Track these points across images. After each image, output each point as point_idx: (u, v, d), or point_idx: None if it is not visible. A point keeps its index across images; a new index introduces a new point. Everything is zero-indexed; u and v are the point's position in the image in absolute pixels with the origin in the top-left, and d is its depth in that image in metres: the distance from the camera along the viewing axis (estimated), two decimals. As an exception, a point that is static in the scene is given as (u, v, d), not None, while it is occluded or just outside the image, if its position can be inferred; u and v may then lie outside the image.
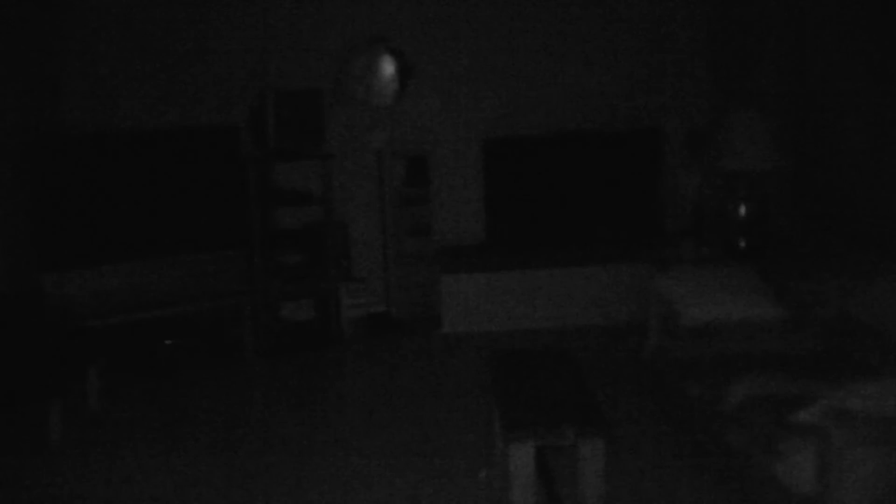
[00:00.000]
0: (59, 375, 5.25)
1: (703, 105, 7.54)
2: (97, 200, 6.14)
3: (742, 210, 6.04)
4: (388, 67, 7.05)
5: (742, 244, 6.01)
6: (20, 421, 5.39)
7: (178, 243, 6.38)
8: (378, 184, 7.48)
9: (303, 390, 6.08)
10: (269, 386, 6.25)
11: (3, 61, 5.94)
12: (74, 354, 5.47)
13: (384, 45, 7.07)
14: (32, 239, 6.03)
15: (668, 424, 4.92)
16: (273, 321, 6.87)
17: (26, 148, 5.97)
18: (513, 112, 7.57)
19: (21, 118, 6.16)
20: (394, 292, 7.51)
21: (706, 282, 5.19)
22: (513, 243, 7.53)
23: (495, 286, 7.19)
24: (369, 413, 5.62)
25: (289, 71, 7.25)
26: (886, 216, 5.03)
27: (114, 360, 6.11)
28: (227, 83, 7.13)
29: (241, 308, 6.57)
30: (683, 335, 4.93)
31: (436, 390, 5.94)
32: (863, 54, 5.27)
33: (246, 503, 4.47)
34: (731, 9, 7.10)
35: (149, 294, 6.23)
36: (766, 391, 3.91)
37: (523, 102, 7.56)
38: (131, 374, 6.28)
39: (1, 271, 5.79)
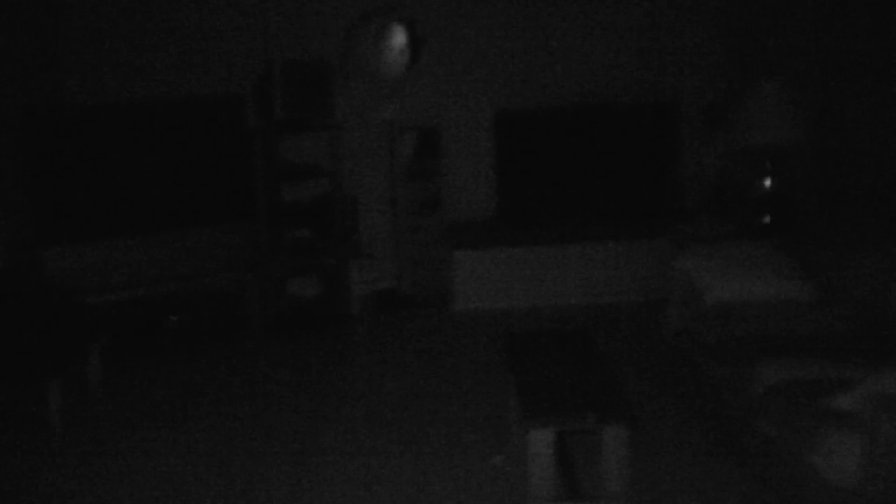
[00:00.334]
0: (59, 354, 5.07)
1: (721, 77, 7.33)
2: (98, 173, 5.96)
3: (765, 185, 5.83)
4: (398, 37, 6.82)
5: (765, 220, 5.81)
6: (19, 401, 5.21)
7: (181, 217, 6.20)
8: (388, 157, 7.28)
9: (310, 370, 5.89)
10: (274, 365, 6.06)
11: (1, 32, 5.74)
12: (75, 332, 5.29)
13: (395, 14, 6.83)
14: (32, 213, 5.83)
15: (693, 409, 4.72)
16: (280, 298, 6.69)
17: (25, 120, 5.77)
18: (526, 84, 7.35)
19: (20, 90, 5.96)
20: (403, 268, 7.32)
21: (729, 260, 4.99)
22: (525, 219, 7.33)
23: (508, 262, 7.01)
24: (378, 395, 5.43)
25: (296, 40, 7.03)
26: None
27: (116, 337, 5.93)
28: (232, 52, 6.91)
29: (246, 284, 6.39)
30: (706, 315, 4.73)
31: (447, 370, 5.76)
32: (894, 17, 5.05)
33: (249, 486, 4.29)
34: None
35: (151, 270, 6.05)
36: (799, 375, 3.71)
37: (537, 74, 7.34)
38: (134, 352, 6.11)
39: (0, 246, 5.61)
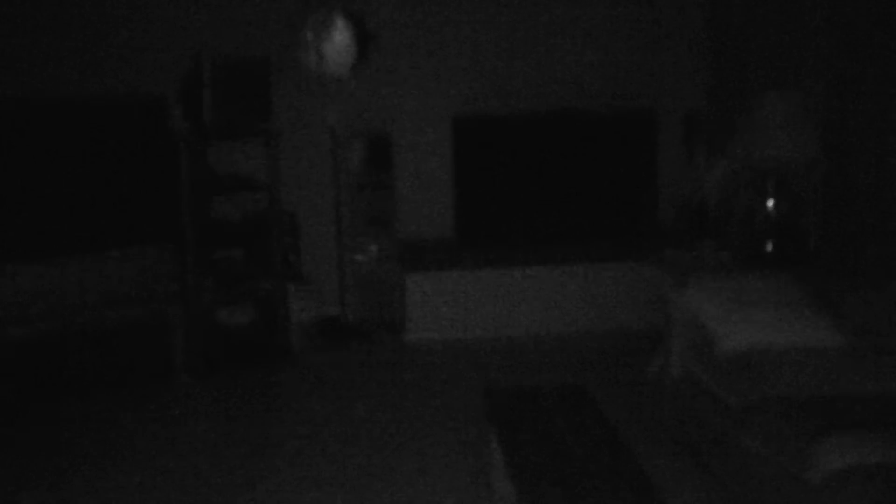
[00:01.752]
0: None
1: (701, 85, 6.65)
2: None
3: (770, 208, 5.13)
4: (344, 33, 6.05)
5: (768, 248, 5.11)
6: None
7: (92, 238, 5.25)
8: (332, 168, 6.44)
9: (242, 417, 5.03)
10: (200, 412, 5.17)
11: None
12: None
13: (340, 6, 6.03)
14: None
15: (720, 487, 3.93)
16: (208, 330, 5.81)
17: None
18: (488, 87, 6.60)
19: None
20: (349, 294, 6.49)
21: (743, 298, 4.25)
22: (486, 238, 6.57)
23: (466, 287, 6.26)
24: (319, 442, 4.57)
25: (229, 34, 6.15)
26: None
27: (6, 384, 4.95)
28: (153, 46, 6.01)
29: (169, 314, 5.49)
30: (721, 366, 3.98)
31: (400, 412, 4.94)
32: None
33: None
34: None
35: (54, 301, 5.09)
36: (869, 459, 2.97)
37: (500, 77, 6.59)
38: (30, 399, 5.13)
39: None
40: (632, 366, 5.44)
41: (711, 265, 5.04)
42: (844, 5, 5.06)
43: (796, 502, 3.16)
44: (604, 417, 3.44)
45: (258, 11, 6.25)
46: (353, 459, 4.39)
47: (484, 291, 6.26)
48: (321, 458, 4.43)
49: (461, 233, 6.58)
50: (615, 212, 6.69)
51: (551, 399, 3.66)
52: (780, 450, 3.29)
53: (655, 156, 6.67)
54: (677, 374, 4.42)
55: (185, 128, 5.76)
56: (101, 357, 5.44)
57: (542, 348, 5.97)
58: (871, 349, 3.91)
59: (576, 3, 6.59)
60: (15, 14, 5.77)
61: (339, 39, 6.12)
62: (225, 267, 5.88)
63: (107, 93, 5.69)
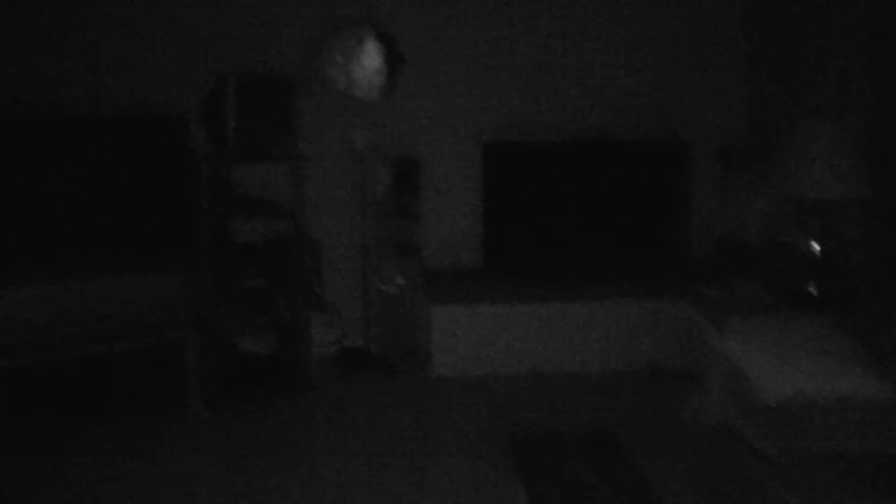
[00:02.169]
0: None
1: (738, 114, 6.42)
2: None
3: (814, 246, 4.88)
4: (374, 54, 5.88)
5: (810, 289, 4.85)
6: None
7: (106, 261, 5.08)
8: (358, 193, 6.25)
9: (259, 454, 4.82)
10: (216, 450, 4.95)
11: None
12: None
13: (371, 27, 5.86)
14: None
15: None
16: (225, 358, 5.62)
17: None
18: (519, 114, 6.39)
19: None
20: (374, 324, 6.28)
21: (786, 344, 4.02)
22: (516, 269, 6.35)
23: (494, 321, 6.03)
24: (339, 482, 4.36)
25: (254, 52, 5.99)
26: None
27: (11, 415, 4.76)
28: (174, 63, 5.84)
29: (185, 344, 5.30)
30: (764, 419, 3.74)
31: (426, 457, 4.71)
32: None
33: None
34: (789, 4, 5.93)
35: (64, 327, 4.91)
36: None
37: (532, 103, 6.38)
38: (37, 433, 4.94)
39: None
40: (665, 409, 5.19)
41: (750, 305, 4.79)
42: (888, 32, 4.83)
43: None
44: (636, 468, 3.21)
45: (285, 28, 6.09)
46: (371, 501, 4.17)
47: (512, 326, 6.04)
48: (336, 498, 4.21)
49: (489, 263, 6.37)
50: (646, 245, 6.47)
51: (581, 445, 3.43)
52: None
53: (689, 188, 6.45)
54: (714, 421, 4.19)
55: (207, 148, 5.60)
56: (114, 384, 5.26)
57: (570, 386, 5.73)
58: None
59: (611, 31, 6.38)
60: (36, 30, 5.62)
61: (369, 62, 5.96)
62: (245, 294, 5.69)
63: (126, 111, 5.53)
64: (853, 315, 4.40)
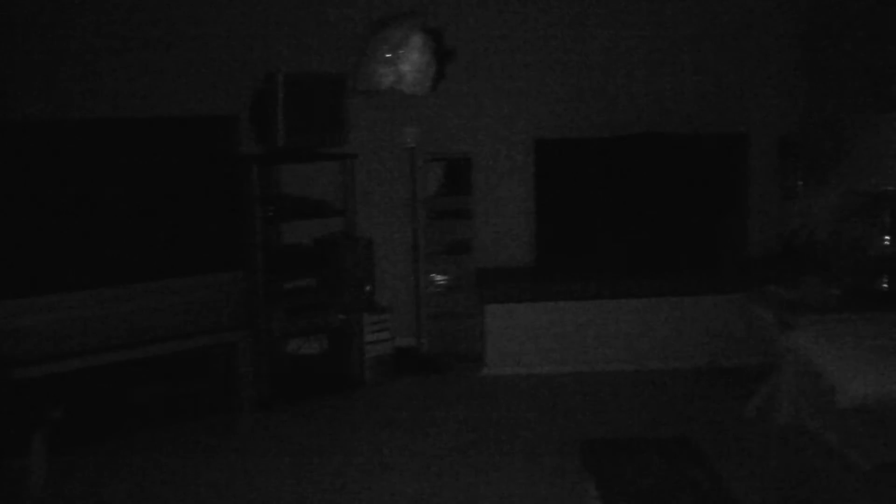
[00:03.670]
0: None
1: (797, 107, 6.24)
2: (46, 207, 4.69)
3: (884, 240, 4.72)
4: (422, 50, 5.76)
5: (883, 285, 4.70)
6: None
7: (155, 265, 4.99)
8: (409, 192, 6.15)
9: (313, 455, 4.73)
10: (269, 450, 4.87)
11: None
12: (12, 416, 4.12)
13: (418, 21, 5.74)
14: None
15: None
16: (278, 360, 5.54)
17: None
18: (572, 109, 6.26)
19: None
20: (425, 324, 6.19)
21: (860, 342, 3.87)
22: (569, 266, 6.22)
23: (548, 319, 5.93)
24: (394, 487, 4.26)
25: (302, 51, 5.90)
26: None
27: (66, 420, 4.69)
28: (223, 63, 5.74)
29: (236, 346, 5.23)
30: (840, 420, 3.59)
31: (485, 455, 4.60)
32: None
33: None
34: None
35: (115, 331, 4.83)
36: None
37: (584, 98, 6.26)
38: (90, 437, 4.87)
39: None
40: (730, 409, 5.03)
41: (818, 303, 4.63)
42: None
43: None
44: (714, 473, 3.08)
45: (332, 27, 5.99)
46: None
47: (567, 324, 5.92)
48: (392, 498, 4.13)
49: (542, 260, 6.25)
50: (702, 241, 6.35)
51: (656, 453, 3.31)
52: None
53: (747, 182, 6.30)
54: (784, 422, 4.05)
55: (256, 150, 5.53)
56: (166, 387, 5.21)
57: (628, 385, 5.61)
58: None
59: (664, 27, 6.23)
60: (92, 35, 5.55)
61: (418, 57, 5.84)
62: (296, 295, 5.61)
63: (175, 113, 5.44)
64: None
